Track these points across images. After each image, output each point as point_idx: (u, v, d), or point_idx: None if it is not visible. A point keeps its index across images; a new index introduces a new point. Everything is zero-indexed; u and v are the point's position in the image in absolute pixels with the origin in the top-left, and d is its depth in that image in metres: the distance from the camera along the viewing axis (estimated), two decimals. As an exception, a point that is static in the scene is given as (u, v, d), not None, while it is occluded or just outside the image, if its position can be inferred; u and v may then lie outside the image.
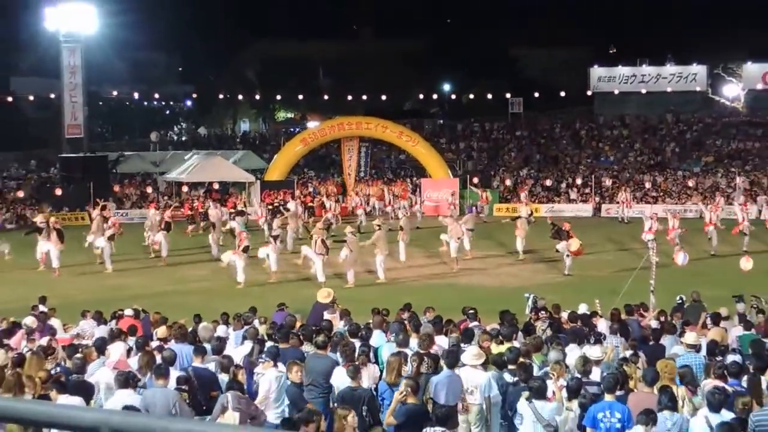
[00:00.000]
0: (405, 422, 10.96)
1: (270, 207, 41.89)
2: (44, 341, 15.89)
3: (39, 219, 33.21)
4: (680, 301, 19.30)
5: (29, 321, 18.17)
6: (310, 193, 51.53)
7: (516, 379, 12.08)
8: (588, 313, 17.88)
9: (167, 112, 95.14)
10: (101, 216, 33.30)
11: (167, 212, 35.62)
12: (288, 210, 38.02)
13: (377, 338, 15.65)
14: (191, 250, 35.76)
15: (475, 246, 33.83)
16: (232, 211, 39.39)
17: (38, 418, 2.35)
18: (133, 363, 13.74)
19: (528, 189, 52.38)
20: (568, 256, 29.46)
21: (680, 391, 11.47)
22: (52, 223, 31.82)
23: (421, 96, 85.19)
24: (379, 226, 29.60)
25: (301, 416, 9.82)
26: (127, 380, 12.17)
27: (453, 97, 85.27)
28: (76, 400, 11.31)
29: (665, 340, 15.52)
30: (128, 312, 18.47)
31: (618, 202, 47.95)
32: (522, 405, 11.25)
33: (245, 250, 28.45)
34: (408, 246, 32.11)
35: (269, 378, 12.72)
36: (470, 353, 12.97)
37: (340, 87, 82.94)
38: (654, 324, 17.38)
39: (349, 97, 76.90)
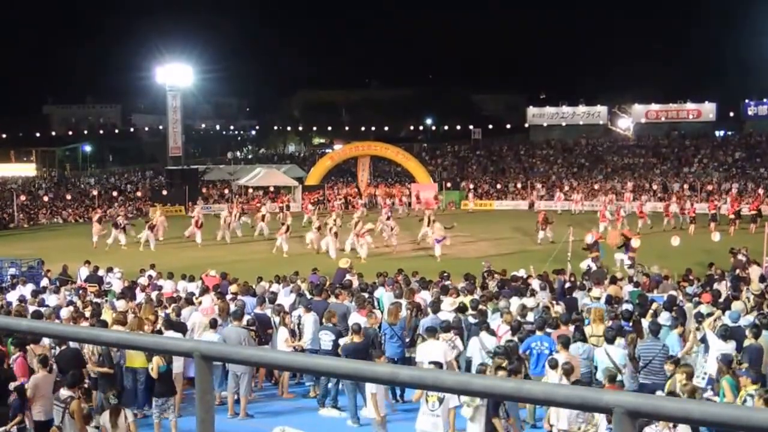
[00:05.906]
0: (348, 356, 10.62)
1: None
2: (153, 294, 15.92)
3: (157, 213, 32.49)
4: (588, 267, 19.26)
5: (142, 280, 18.22)
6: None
7: (476, 320, 12.08)
8: (525, 275, 17.87)
9: (238, 138, 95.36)
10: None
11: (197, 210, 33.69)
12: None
13: (380, 292, 15.67)
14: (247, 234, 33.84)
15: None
16: (281, 205, 38.49)
17: (151, 346, 2.36)
18: (215, 310, 13.77)
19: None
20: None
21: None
22: (159, 218, 31.29)
23: (412, 127, 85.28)
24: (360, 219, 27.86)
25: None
26: (214, 322, 12.20)
27: (433, 128, 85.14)
28: (177, 335, 11.34)
29: (577, 294, 15.52)
30: (212, 273, 18.44)
31: (571, 200, 46.51)
32: (482, 336, 11.25)
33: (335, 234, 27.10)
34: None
35: (309, 321, 12.69)
36: (447, 302, 13.00)
37: (356, 121, 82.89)
38: (568, 283, 17.38)
39: (362, 128, 76.92)
